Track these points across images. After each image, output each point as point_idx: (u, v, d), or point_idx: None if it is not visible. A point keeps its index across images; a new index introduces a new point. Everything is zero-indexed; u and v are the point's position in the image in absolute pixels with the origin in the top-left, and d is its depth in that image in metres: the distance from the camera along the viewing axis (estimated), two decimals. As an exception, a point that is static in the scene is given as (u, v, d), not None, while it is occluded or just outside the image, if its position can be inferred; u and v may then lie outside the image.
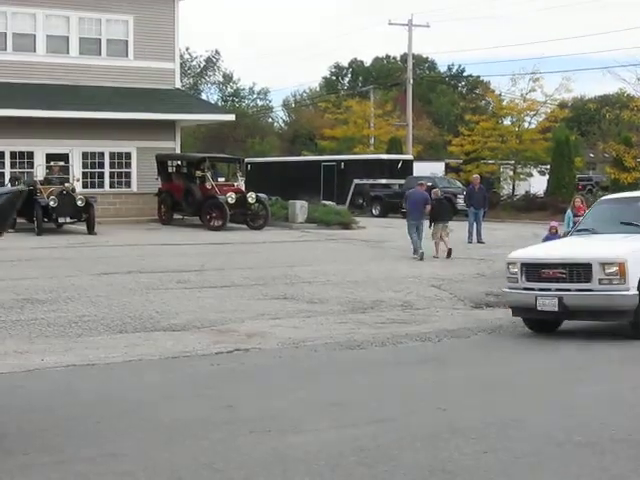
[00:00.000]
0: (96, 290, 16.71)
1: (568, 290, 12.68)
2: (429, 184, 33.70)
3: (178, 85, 37.25)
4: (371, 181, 46.25)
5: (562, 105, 57.92)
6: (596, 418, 8.30)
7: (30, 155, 33.13)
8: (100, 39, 34.68)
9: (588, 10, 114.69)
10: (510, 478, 6.71)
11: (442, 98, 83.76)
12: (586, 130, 72.33)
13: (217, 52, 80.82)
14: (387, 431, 7.92)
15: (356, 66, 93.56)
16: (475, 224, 28.64)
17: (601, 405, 8.89)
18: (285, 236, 29.36)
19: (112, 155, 34.71)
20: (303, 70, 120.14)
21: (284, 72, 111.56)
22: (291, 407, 8.86)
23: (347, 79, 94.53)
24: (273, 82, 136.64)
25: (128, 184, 35.07)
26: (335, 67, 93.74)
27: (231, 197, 30.91)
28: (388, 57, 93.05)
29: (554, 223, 19.12)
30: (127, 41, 35.04)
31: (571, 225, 17.97)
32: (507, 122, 53.49)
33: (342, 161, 49.11)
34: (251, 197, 31.55)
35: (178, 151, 36.42)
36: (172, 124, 35.88)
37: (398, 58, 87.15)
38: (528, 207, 43.58)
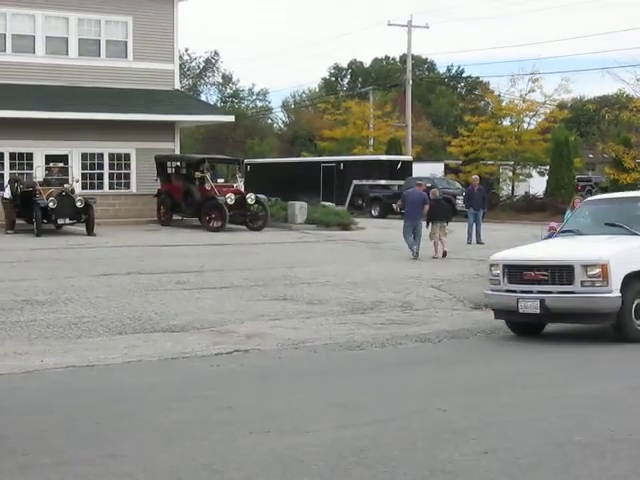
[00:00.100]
0: (95, 291, 16.71)
1: (550, 292, 12.48)
2: (428, 185, 33.73)
3: (177, 86, 37.25)
4: (370, 182, 46.27)
5: (561, 106, 57.90)
6: (596, 418, 8.30)
7: (29, 156, 33.12)
8: (99, 40, 34.68)
9: (587, 10, 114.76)
10: (510, 478, 6.70)
11: (441, 99, 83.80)
12: (585, 131, 72.32)
13: (216, 53, 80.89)
14: (387, 431, 7.92)
15: (355, 67, 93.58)
16: (474, 225, 28.65)
17: (601, 405, 8.88)
18: (284, 237, 29.36)
19: (111, 156, 34.71)
20: (302, 71, 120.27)
21: (283, 73, 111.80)
22: (291, 408, 8.85)
23: (346, 80, 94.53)
24: (272, 83, 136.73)
25: (127, 185, 35.06)
26: (334, 68, 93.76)
27: (230, 198, 30.90)
28: (387, 58, 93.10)
29: (553, 224, 19.09)
30: (126, 42, 35.04)
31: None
32: (506, 123, 53.50)
33: (341, 162, 49.12)
34: (250, 198, 31.55)
35: (177, 152, 36.41)
36: (171, 125, 35.88)
37: (397, 59, 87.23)
38: (527, 208, 43.60)
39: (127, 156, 34.96)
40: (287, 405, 8.97)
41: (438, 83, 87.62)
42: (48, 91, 32.83)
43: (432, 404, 8.89)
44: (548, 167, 46.90)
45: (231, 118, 41.12)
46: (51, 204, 28.47)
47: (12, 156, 33.06)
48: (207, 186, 31.94)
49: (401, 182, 43.20)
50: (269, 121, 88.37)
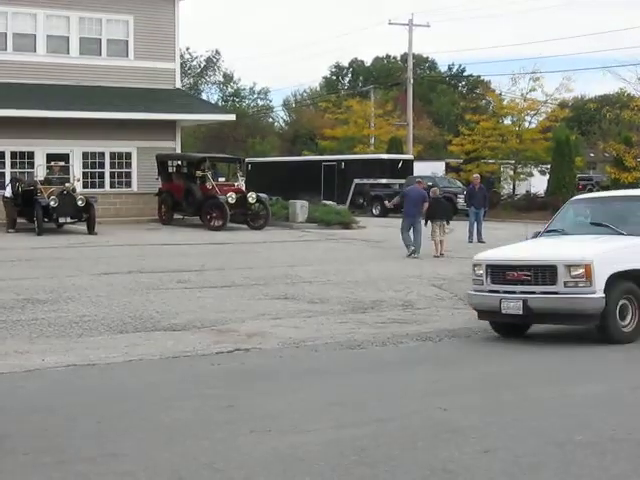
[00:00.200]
0: (96, 290, 16.71)
1: (533, 293, 12.25)
2: (429, 184, 33.73)
3: (178, 85, 37.26)
4: (371, 181, 46.26)
5: (562, 105, 57.93)
6: (596, 418, 8.30)
7: (30, 155, 33.14)
8: (100, 39, 34.70)
9: (588, 9, 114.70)
10: (511, 478, 6.71)
11: (442, 98, 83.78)
12: (586, 130, 72.38)
13: (217, 52, 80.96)
14: (388, 431, 7.92)
15: (356, 66, 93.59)
16: (476, 224, 28.68)
17: (601, 405, 8.89)
18: (285, 236, 29.36)
19: (112, 155, 34.72)
20: (303, 70, 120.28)
21: (284, 72, 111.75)
22: (292, 407, 8.86)
23: (347, 79, 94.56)
24: (273, 82, 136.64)
25: (128, 184, 35.08)
26: (335, 67, 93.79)
27: (231, 197, 30.90)
28: (388, 57, 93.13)
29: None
30: (127, 41, 35.06)
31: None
32: (507, 122, 53.53)
33: (342, 161, 49.11)
34: (251, 197, 31.54)
35: (178, 151, 36.43)
36: (172, 124, 35.88)
37: (398, 58, 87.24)
38: (528, 207, 43.60)
39: (128, 155, 34.97)
40: (288, 404, 8.97)
41: (439, 82, 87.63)
42: (49, 90, 32.84)
43: (433, 403, 8.90)
44: (549, 166, 46.89)
45: (232, 117, 41.17)
46: (52, 203, 28.48)
47: (13, 155, 33.09)
48: (208, 185, 31.93)
49: (402, 181, 43.19)
50: (270, 120, 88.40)
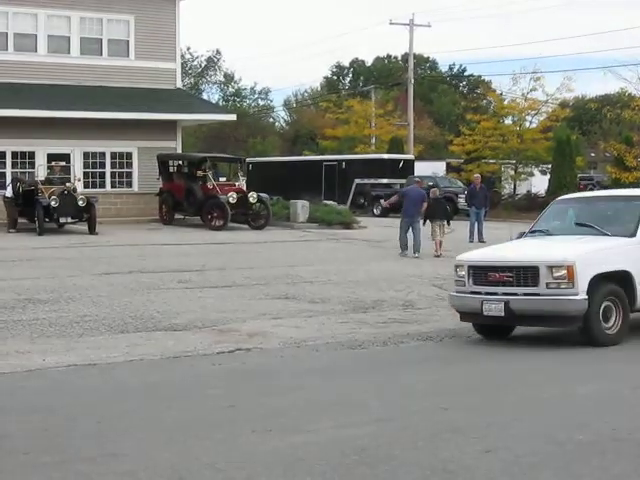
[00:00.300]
0: (97, 290, 16.72)
1: (515, 294, 12.03)
2: (430, 183, 33.72)
3: (179, 85, 37.26)
4: (372, 181, 46.26)
5: (563, 104, 57.94)
6: (597, 417, 8.31)
7: (31, 155, 33.14)
8: (101, 39, 34.69)
9: (588, 9, 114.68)
10: (511, 477, 6.70)
11: (443, 98, 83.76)
12: (587, 129, 72.38)
13: (218, 52, 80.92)
14: (388, 430, 7.92)
15: (357, 66, 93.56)
16: (476, 223, 28.71)
17: (602, 404, 8.89)
18: (286, 236, 29.36)
19: (113, 155, 34.72)
20: (304, 70, 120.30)
21: (285, 72, 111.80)
22: (292, 407, 8.86)
23: (348, 79, 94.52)
24: (274, 82, 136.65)
25: (129, 184, 35.07)
26: (336, 67, 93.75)
27: (232, 197, 30.90)
28: (389, 57, 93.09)
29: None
30: (128, 41, 35.05)
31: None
32: (508, 121, 53.53)
33: (343, 161, 49.11)
34: (252, 197, 31.54)
35: (179, 151, 36.42)
36: (173, 124, 35.87)
37: (399, 58, 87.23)
38: (529, 206, 43.56)
39: (129, 155, 34.97)
40: (289, 404, 8.98)
41: (440, 82, 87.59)
42: (50, 90, 32.84)
43: (433, 403, 8.90)
44: (550, 166, 46.89)
45: (233, 117, 41.15)
46: (53, 203, 28.48)
47: (14, 155, 33.08)
48: (209, 185, 31.93)
49: (403, 181, 43.20)
50: (271, 120, 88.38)
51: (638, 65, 43.25)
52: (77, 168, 33.02)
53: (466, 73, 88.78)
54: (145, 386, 9.99)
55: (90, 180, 34.11)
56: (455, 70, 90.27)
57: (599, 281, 12.01)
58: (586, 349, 12.07)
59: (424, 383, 10.13)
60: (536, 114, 52.76)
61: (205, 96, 75.22)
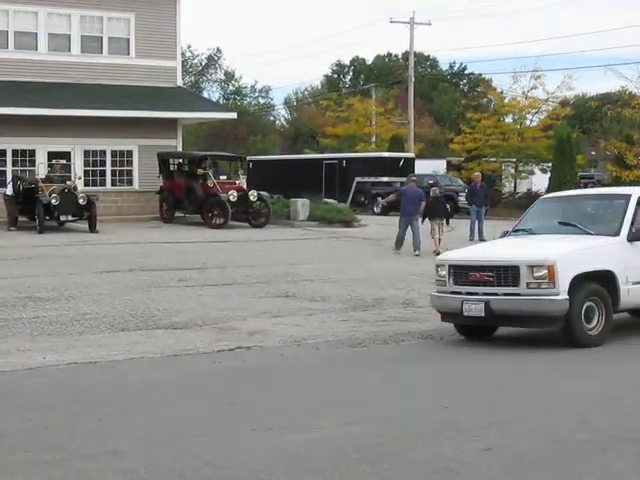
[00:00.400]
0: (98, 288, 16.72)
1: (495, 294, 11.85)
2: (430, 182, 33.70)
3: (180, 83, 37.26)
4: (373, 179, 46.25)
5: (564, 103, 57.91)
6: (597, 416, 8.31)
7: (32, 153, 33.13)
8: (102, 37, 34.69)
9: (589, 7, 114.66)
10: (512, 476, 6.71)
11: (444, 96, 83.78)
12: (588, 128, 72.36)
13: (219, 50, 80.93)
14: (389, 429, 7.92)
15: (358, 64, 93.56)
16: (477, 222, 28.74)
17: (602, 403, 8.89)
18: (287, 234, 29.36)
19: (114, 153, 34.71)
20: (305, 68, 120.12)
21: (286, 70, 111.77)
22: (293, 405, 8.86)
23: (349, 77, 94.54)
24: (275, 80, 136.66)
25: (130, 182, 35.07)
26: (337, 65, 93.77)
27: (233, 195, 30.91)
28: (390, 55, 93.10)
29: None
30: (129, 39, 35.05)
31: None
32: (509, 120, 53.49)
33: (344, 159, 49.11)
34: (253, 195, 31.55)
35: (180, 149, 36.42)
36: (174, 122, 35.87)
37: (400, 56, 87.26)
38: (530, 205, 43.48)
39: (129, 153, 34.96)
40: (289, 402, 8.98)
41: (440, 80, 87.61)
42: (50, 88, 32.84)
43: (434, 401, 8.90)
44: (550, 164, 46.86)
45: (233, 115, 41.18)
46: (53, 201, 28.49)
47: (15, 153, 33.08)
48: (209, 183, 31.94)
49: (403, 179, 43.17)
50: (271, 118, 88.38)
51: (639, 63, 43.27)
52: (77, 166, 33.03)
53: (467, 71, 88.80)
54: (146, 384, 9.99)
55: (90, 178, 34.11)
56: (455, 68, 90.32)
57: (581, 281, 11.83)
58: (585, 349, 12.06)
59: (425, 381, 10.13)
60: (537, 112, 52.71)
61: (205, 94, 75.27)
